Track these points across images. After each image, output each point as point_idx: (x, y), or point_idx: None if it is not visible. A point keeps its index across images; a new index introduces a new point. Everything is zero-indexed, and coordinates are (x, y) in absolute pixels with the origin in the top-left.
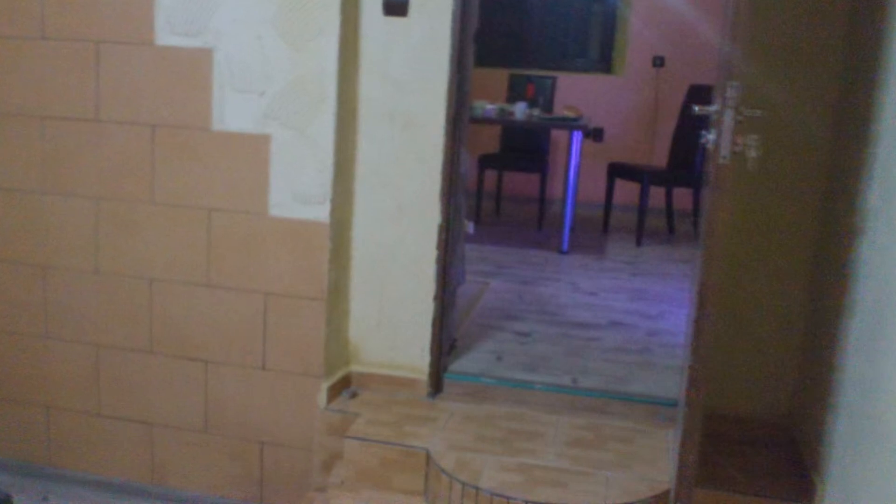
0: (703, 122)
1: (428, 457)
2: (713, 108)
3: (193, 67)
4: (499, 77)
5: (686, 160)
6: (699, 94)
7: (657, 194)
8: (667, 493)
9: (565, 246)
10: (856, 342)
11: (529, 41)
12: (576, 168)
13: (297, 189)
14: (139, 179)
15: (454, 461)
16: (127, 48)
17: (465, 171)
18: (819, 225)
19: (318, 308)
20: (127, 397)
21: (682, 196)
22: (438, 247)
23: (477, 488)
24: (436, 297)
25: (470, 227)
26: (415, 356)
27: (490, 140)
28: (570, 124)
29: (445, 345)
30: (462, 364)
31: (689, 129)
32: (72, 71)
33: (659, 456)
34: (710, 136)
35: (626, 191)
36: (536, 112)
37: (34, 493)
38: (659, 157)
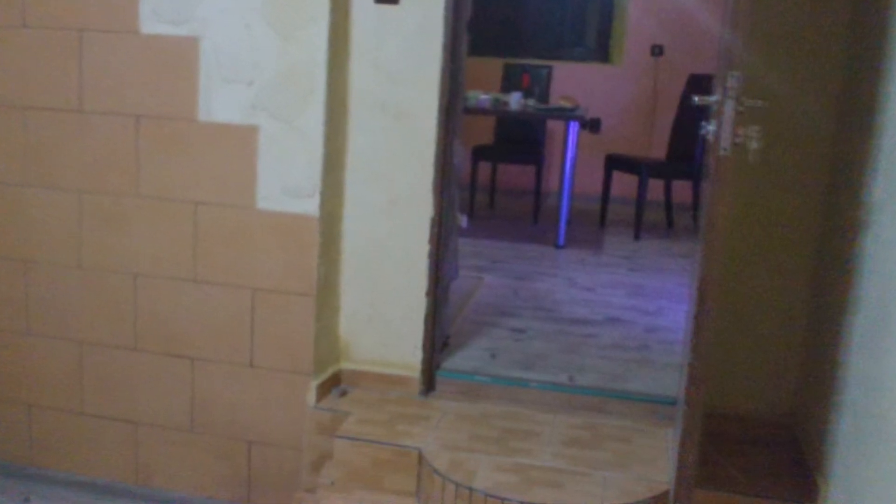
0: (703, 113)
1: (421, 457)
2: (713, 98)
3: (179, 56)
4: (493, 66)
5: (685, 152)
6: (699, 83)
7: (656, 187)
8: (666, 493)
9: (561, 240)
10: (860, 339)
11: (524, 29)
12: (572, 160)
13: (285, 182)
14: (124, 172)
15: (448, 461)
16: (111, 37)
17: (459, 164)
18: (822, 219)
19: (308, 304)
20: (111, 395)
21: (682, 189)
22: (431, 241)
23: (471, 489)
24: (428, 293)
25: (463, 220)
26: (407, 353)
27: (484, 131)
28: (566, 115)
29: (438, 342)
30: (455, 361)
31: (688, 120)
32: (54, 60)
33: (658, 456)
34: (710, 128)
35: (624, 183)
36: (532, 102)
37: (15, 494)
38: (658, 148)
